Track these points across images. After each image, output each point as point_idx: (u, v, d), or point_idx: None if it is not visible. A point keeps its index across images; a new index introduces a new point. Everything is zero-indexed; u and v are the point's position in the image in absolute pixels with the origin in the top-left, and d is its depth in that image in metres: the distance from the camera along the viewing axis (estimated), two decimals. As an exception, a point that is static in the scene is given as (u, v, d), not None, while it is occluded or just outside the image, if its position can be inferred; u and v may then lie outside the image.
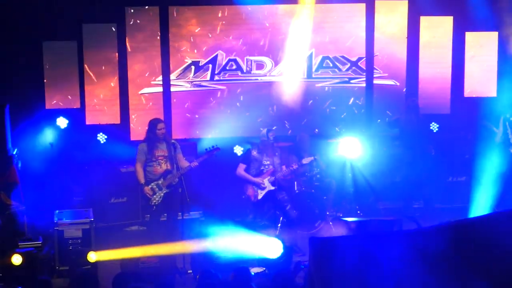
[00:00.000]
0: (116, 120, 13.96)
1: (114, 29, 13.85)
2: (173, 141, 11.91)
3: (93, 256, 10.29)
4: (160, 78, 14.11)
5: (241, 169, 12.37)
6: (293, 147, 13.56)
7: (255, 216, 12.28)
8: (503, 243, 5.00)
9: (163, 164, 11.67)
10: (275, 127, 12.76)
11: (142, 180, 11.64)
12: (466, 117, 14.41)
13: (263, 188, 12.26)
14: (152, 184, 11.61)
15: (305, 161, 12.55)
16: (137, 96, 14.07)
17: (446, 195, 14.12)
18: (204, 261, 10.58)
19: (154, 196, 11.59)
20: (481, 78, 14.98)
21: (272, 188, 12.26)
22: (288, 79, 14.46)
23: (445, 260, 5.06)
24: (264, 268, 10.43)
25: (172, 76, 14.17)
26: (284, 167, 12.38)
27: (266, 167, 12.32)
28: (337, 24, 14.55)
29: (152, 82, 14.11)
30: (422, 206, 13.89)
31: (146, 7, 13.96)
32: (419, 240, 5.23)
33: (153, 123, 11.82)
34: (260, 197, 12.25)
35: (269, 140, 12.27)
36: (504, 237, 5.07)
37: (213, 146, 11.85)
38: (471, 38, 14.90)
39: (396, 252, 5.18)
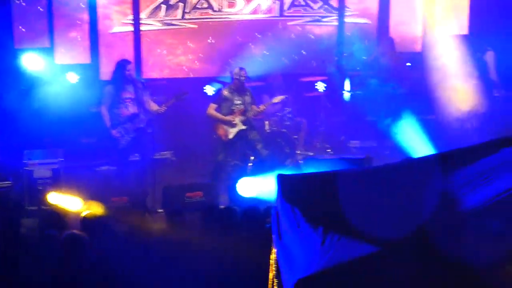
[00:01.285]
0: (87, 59, 13.79)
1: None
2: (140, 83, 11.81)
3: (52, 197, 10.18)
4: (131, 17, 13.93)
5: (211, 109, 12.26)
6: (265, 86, 13.51)
7: (226, 155, 12.23)
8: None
9: (130, 106, 11.56)
10: (246, 66, 12.65)
11: (109, 123, 11.57)
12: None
13: (234, 126, 12.17)
14: (119, 127, 11.54)
15: (276, 100, 12.48)
16: (107, 35, 13.89)
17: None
18: (174, 200, 10.63)
19: (122, 140, 11.55)
20: (452, 15, 14.89)
21: (243, 127, 12.17)
22: (260, 17, 14.34)
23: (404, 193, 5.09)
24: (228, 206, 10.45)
25: (143, 15, 14.00)
26: (254, 106, 12.32)
27: (237, 106, 12.23)
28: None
29: (123, 21, 13.93)
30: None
31: None
32: (383, 176, 5.26)
33: (121, 64, 11.70)
34: (231, 136, 12.18)
35: (240, 79, 12.17)
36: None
37: (182, 90, 11.78)
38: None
39: (363, 188, 5.20)
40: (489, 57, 12.78)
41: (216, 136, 12.35)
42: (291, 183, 5.33)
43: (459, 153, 5.35)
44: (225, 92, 12.27)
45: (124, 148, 11.64)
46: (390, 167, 5.67)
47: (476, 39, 13.88)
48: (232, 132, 12.16)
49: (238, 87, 12.24)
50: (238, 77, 12.16)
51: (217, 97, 12.41)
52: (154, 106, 11.63)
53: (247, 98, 12.28)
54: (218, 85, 13.18)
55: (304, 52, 14.51)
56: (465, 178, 4.97)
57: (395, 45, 13.82)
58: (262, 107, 12.35)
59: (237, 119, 12.16)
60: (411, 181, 5.13)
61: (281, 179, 5.32)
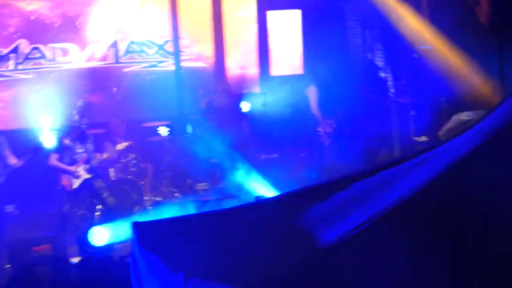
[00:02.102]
0: None
1: None
2: (0, 137, 11.28)
3: None
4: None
5: (53, 159, 11.89)
6: (106, 133, 13.37)
7: (72, 206, 11.95)
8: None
9: None
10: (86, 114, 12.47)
11: None
12: (274, 95, 14.67)
13: (78, 177, 11.92)
14: None
15: (120, 147, 12.36)
16: None
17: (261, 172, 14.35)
18: (21, 254, 10.33)
19: None
20: (287, 57, 15.31)
21: (88, 176, 11.92)
22: (95, 65, 14.22)
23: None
24: (81, 258, 10.25)
25: (-28, 68, 13.62)
26: (98, 154, 12.12)
27: (80, 155, 11.99)
28: (141, 7, 14.44)
29: (-49, 74, 13.50)
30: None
31: None
32: (238, 217, 5.30)
33: None
34: (75, 186, 11.89)
35: (81, 127, 11.94)
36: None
37: (38, 146, 11.49)
38: (274, 16, 15.16)
39: (220, 229, 5.20)
40: (310, 92, 13.07)
41: (60, 186, 12.06)
42: (147, 229, 5.28)
43: (312, 189, 5.46)
44: (66, 141, 11.97)
45: None
46: (242, 209, 5.73)
47: (310, 78, 14.29)
48: (76, 182, 11.88)
49: (79, 135, 12.00)
50: (78, 125, 11.93)
51: (58, 146, 12.08)
52: (12, 160, 11.22)
53: (90, 146, 12.04)
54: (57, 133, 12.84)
55: (143, 97, 14.46)
56: (320, 214, 5.06)
57: (230, 87, 14.00)
58: (105, 155, 12.18)
59: (80, 169, 11.91)
60: (265, 221, 5.18)
61: (136, 226, 5.26)
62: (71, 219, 11.95)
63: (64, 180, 11.88)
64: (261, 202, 6.39)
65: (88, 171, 11.87)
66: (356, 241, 4.81)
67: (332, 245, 4.83)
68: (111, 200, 11.99)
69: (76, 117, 11.90)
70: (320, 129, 12.98)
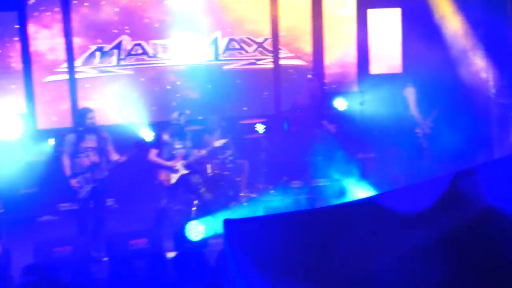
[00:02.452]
0: (22, 109, 13.65)
1: (14, 17, 13.54)
2: (104, 133, 11.48)
3: None
4: (65, 65, 13.85)
5: (153, 155, 12.17)
6: (204, 130, 13.53)
7: (169, 201, 12.17)
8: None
9: (91, 156, 11.27)
10: (187, 112, 12.67)
11: (69, 172, 11.22)
12: (373, 94, 14.57)
13: (176, 172, 12.12)
14: (80, 177, 11.23)
15: (217, 143, 12.49)
16: (42, 84, 13.79)
17: (356, 171, 14.29)
18: (119, 248, 10.50)
19: (81, 190, 11.24)
20: (386, 55, 15.20)
21: (186, 171, 12.12)
22: (195, 62, 14.40)
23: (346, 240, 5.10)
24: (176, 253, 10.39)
25: (77, 63, 13.93)
26: (195, 150, 12.30)
27: (178, 151, 12.20)
28: (241, 5, 14.53)
29: (57, 70, 13.84)
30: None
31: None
32: (326, 217, 5.28)
33: (83, 113, 11.41)
34: (173, 181, 12.10)
35: (180, 123, 12.13)
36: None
37: (141, 141, 11.71)
38: (374, 15, 15.08)
39: (306, 230, 5.20)
40: (409, 93, 12.94)
41: (158, 181, 12.30)
42: (238, 227, 5.33)
43: (401, 192, 5.42)
44: (165, 137, 12.21)
45: (84, 198, 11.31)
46: (333, 209, 5.71)
47: (409, 77, 14.15)
48: (174, 177, 12.10)
49: (178, 131, 12.20)
50: (177, 121, 12.15)
51: (157, 142, 12.33)
52: (114, 156, 11.48)
53: (188, 143, 12.24)
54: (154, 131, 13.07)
55: (241, 95, 14.59)
56: (408, 217, 5.01)
57: (319, 86, 13.97)
58: (203, 151, 12.33)
59: (178, 164, 12.11)
60: (355, 222, 5.15)
61: (227, 224, 5.31)
62: (168, 214, 12.19)
63: (162, 175, 12.10)
64: (351, 203, 6.36)
65: (186, 166, 12.04)
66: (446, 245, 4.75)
67: (421, 248, 4.78)
68: (207, 195, 12.14)
69: (175, 114, 12.09)
70: (418, 131, 12.85)
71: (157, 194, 12.36)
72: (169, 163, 12.05)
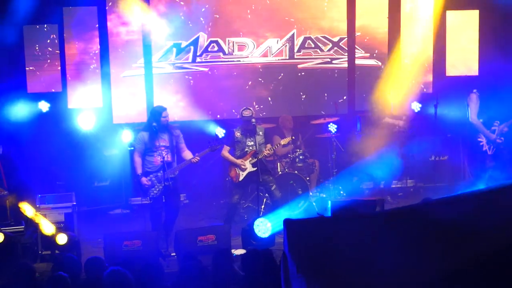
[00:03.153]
0: (99, 103, 13.90)
1: (94, 12, 13.79)
2: (176, 130, 11.55)
3: (60, 239, 10.26)
4: (142, 60, 14.05)
5: (225, 151, 12.19)
6: (276, 128, 13.56)
7: (240, 197, 12.20)
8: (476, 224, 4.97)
9: (164, 154, 11.27)
10: (257, 106, 12.67)
11: (140, 170, 11.28)
12: (448, 96, 14.39)
13: (243, 170, 12.13)
14: (151, 175, 11.30)
15: (284, 141, 12.39)
16: (119, 79, 14.01)
17: (429, 173, 14.17)
18: (187, 244, 10.60)
19: (153, 189, 11.31)
20: (463, 57, 15.00)
21: (253, 169, 12.04)
22: (271, 61, 14.45)
23: (423, 240, 5.02)
24: (245, 250, 10.44)
25: (154, 58, 14.11)
26: (266, 148, 12.25)
27: (250, 147, 12.16)
28: (318, 3, 14.51)
29: (134, 65, 14.05)
30: (413, 185, 13.97)
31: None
32: (397, 221, 5.20)
33: (157, 111, 11.38)
34: (241, 178, 12.09)
35: (250, 120, 12.13)
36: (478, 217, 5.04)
37: (215, 140, 11.84)
38: (452, 16, 14.89)
39: (372, 234, 5.14)
40: (471, 100, 12.64)
41: (228, 178, 12.36)
42: (298, 228, 5.29)
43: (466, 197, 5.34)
44: (237, 134, 12.21)
45: (155, 197, 11.34)
46: (396, 213, 5.63)
47: (486, 81, 13.93)
48: (242, 175, 12.11)
49: (249, 128, 12.22)
50: (248, 119, 12.17)
51: (230, 139, 12.37)
52: (187, 155, 11.49)
53: (259, 138, 12.15)
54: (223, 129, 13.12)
55: (315, 94, 14.58)
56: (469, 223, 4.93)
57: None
58: (267, 151, 12.11)
59: (246, 162, 12.11)
60: (418, 227, 5.07)
61: (287, 224, 5.29)
62: (237, 210, 12.27)
63: (232, 172, 12.15)
64: (415, 207, 6.27)
65: (254, 164, 12.04)
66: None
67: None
68: (277, 193, 12.13)
69: (247, 112, 12.04)
70: (481, 139, 12.56)
71: (229, 191, 12.42)
72: (238, 161, 12.08)
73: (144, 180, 11.29)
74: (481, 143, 12.63)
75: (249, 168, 12.06)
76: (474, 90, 12.58)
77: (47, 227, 10.44)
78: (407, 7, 14.78)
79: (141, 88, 14.05)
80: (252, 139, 12.11)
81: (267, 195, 12.49)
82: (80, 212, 11.65)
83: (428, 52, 14.90)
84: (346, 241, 5.07)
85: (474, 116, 12.54)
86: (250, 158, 12.08)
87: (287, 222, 5.29)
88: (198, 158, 11.47)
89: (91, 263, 8.21)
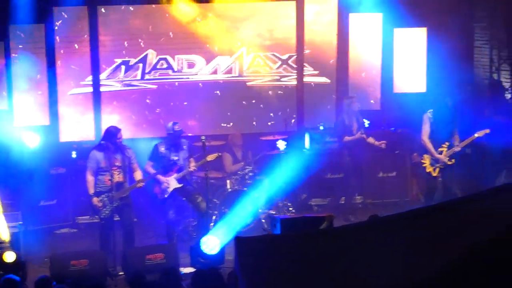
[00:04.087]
0: (46, 121, 13.72)
1: (42, 29, 13.63)
2: (129, 151, 11.48)
3: (8, 256, 10.10)
4: (90, 78, 13.92)
5: (148, 166, 12.01)
6: (225, 145, 13.53)
7: (176, 212, 12.11)
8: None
9: (116, 175, 11.20)
10: (207, 124, 12.60)
11: (92, 190, 11.19)
12: (395, 113, 14.50)
13: (168, 186, 11.96)
14: (103, 196, 11.21)
15: (210, 157, 12.11)
16: (67, 96, 13.86)
17: (377, 190, 14.23)
18: (135, 262, 10.52)
19: (104, 209, 11.21)
20: (410, 74, 15.14)
21: (179, 185, 11.98)
22: (220, 78, 14.42)
23: (371, 258, 5.02)
24: (194, 269, 10.37)
25: (102, 76, 14.00)
26: (192, 160, 12.12)
27: (175, 163, 12.03)
28: (267, 21, 14.53)
29: (82, 83, 13.91)
30: (356, 201, 14.01)
31: (75, 7, 13.73)
32: (344, 238, 5.20)
33: (112, 132, 11.33)
34: (166, 195, 11.97)
35: (175, 133, 11.98)
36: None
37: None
38: (400, 34, 15.04)
39: (322, 252, 5.12)
40: (423, 119, 12.71)
41: (153, 194, 12.20)
42: (249, 246, 5.26)
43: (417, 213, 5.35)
44: (161, 149, 12.07)
45: (106, 217, 11.25)
46: (347, 230, 5.63)
47: (432, 96, 14.12)
48: (167, 191, 11.96)
49: (174, 142, 12.08)
50: (172, 131, 12.02)
51: (153, 154, 12.11)
52: (138, 175, 11.45)
53: (184, 153, 12.08)
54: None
55: (264, 111, 14.56)
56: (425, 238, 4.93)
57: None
58: (192, 165, 12.03)
59: (170, 179, 11.99)
60: (367, 244, 5.06)
61: (239, 242, 5.25)
62: (178, 226, 12.18)
63: (156, 188, 12.04)
64: (367, 224, 6.28)
65: (179, 180, 11.94)
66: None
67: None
68: (203, 205, 12.03)
69: (170, 124, 11.99)
70: (424, 161, 12.65)
71: (161, 208, 12.30)
72: (162, 178, 11.97)
73: (95, 200, 11.20)
74: (423, 165, 12.68)
75: (174, 184, 11.94)
76: (429, 110, 12.63)
77: None
78: (356, 25, 14.86)
79: (89, 106, 13.90)
80: (176, 154, 12.02)
81: (216, 212, 12.47)
82: (26, 232, 11.49)
83: (376, 69, 15.01)
84: (296, 259, 5.04)
85: (423, 137, 12.61)
86: (175, 174, 11.95)
87: (238, 240, 5.25)
88: (142, 184, 11.44)
89: (40, 283, 8.10)
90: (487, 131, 12.52)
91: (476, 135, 12.55)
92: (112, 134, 11.31)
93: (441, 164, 12.55)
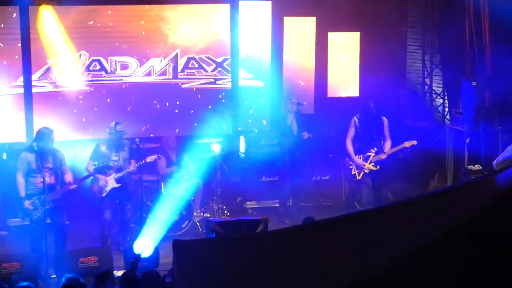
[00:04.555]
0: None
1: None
2: (60, 153, 11.35)
3: None
4: (21, 79, 13.69)
5: (89, 166, 11.99)
6: (160, 147, 13.46)
7: (112, 213, 12.05)
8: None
9: (48, 177, 11.04)
10: (142, 126, 12.53)
11: (23, 193, 11.01)
12: (329, 117, 14.59)
13: (106, 185, 11.90)
14: (34, 198, 11.03)
15: (149, 159, 12.15)
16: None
17: (311, 193, 14.32)
18: (68, 265, 10.40)
19: (36, 212, 11.02)
20: (344, 78, 15.28)
21: (117, 185, 11.94)
22: (154, 80, 14.33)
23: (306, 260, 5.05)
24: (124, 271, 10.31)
25: (34, 77, 13.78)
26: (133, 161, 12.11)
27: (115, 162, 11.99)
28: (202, 24, 14.50)
29: (13, 83, 13.68)
30: (291, 204, 14.06)
31: (5, 7, 13.50)
32: (281, 241, 5.22)
33: (45, 133, 11.18)
34: (104, 194, 11.90)
35: (117, 133, 11.96)
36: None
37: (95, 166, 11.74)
38: (334, 38, 15.16)
39: (259, 254, 5.14)
40: (352, 124, 12.91)
41: (92, 193, 12.11)
42: (187, 249, 5.28)
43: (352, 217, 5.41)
44: (102, 148, 12.03)
45: (38, 220, 11.07)
46: (283, 232, 5.66)
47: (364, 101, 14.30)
48: (105, 190, 11.91)
49: (115, 141, 12.04)
50: (114, 131, 11.99)
51: (95, 153, 12.09)
52: (69, 177, 11.32)
53: (124, 154, 12.06)
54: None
55: (197, 113, 14.51)
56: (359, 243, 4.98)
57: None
58: (132, 167, 12.01)
59: (109, 178, 11.91)
60: (303, 247, 5.09)
61: (177, 245, 5.26)
62: (112, 227, 12.09)
63: (95, 187, 11.98)
64: (302, 227, 6.33)
65: (118, 180, 11.89)
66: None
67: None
68: (129, 214, 12.03)
69: (112, 123, 11.97)
70: (352, 163, 12.86)
71: (99, 207, 12.21)
72: (100, 176, 11.90)
73: (26, 203, 11.04)
74: (350, 166, 12.89)
75: (112, 183, 11.88)
76: (357, 115, 12.81)
77: None
78: (290, 28, 14.94)
79: (20, 107, 13.67)
80: (117, 154, 11.99)
81: (150, 214, 12.42)
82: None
83: (310, 73, 15.10)
84: (234, 262, 5.07)
85: (347, 140, 12.85)
86: (114, 174, 11.89)
87: (176, 243, 5.26)
88: (75, 186, 11.38)
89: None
90: (415, 142, 12.73)
91: (405, 144, 12.76)
92: (44, 135, 11.18)
93: (365, 169, 12.75)
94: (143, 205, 12.19)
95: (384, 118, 12.84)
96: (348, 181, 13.30)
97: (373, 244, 4.86)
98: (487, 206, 4.87)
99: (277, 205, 13.94)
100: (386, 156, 12.71)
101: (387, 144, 12.77)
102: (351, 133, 12.83)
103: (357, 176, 12.85)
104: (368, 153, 12.76)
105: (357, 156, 12.81)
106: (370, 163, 12.75)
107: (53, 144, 11.25)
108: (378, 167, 12.75)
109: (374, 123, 12.76)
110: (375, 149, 12.75)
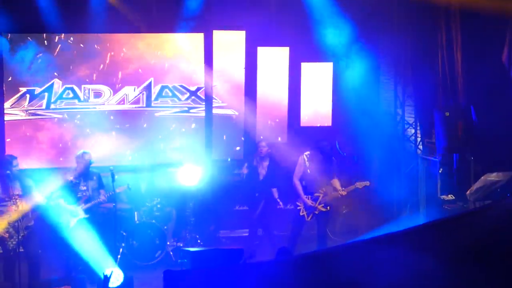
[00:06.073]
0: None
1: None
2: (28, 180, 11.23)
3: None
4: (-6, 106, 13.61)
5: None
6: (134, 176, 13.40)
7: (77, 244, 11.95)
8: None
9: (19, 204, 10.91)
10: (114, 155, 12.46)
11: None
12: (301, 146, 14.60)
13: (74, 216, 11.76)
14: (8, 226, 10.86)
15: (119, 189, 12.07)
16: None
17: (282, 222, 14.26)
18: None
19: (12, 240, 10.85)
20: (317, 108, 15.35)
21: (85, 216, 11.80)
22: (127, 108, 14.29)
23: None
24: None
25: (6, 105, 13.69)
26: (102, 191, 12.00)
27: (83, 193, 11.90)
28: (176, 53, 14.51)
29: (-15, 111, 13.59)
30: (262, 234, 14.00)
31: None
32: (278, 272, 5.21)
33: (7, 160, 11.14)
34: (72, 225, 11.78)
35: (85, 162, 11.87)
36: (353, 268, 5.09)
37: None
38: (307, 68, 15.26)
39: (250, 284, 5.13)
40: (300, 160, 12.71)
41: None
42: (179, 280, 5.23)
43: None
44: (70, 178, 11.92)
45: (13, 249, 10.91)
46: (273, 264, 5.65)
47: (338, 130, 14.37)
48: (73, 221, 11.79)
49: (83, 172, 11.94)
50: (81, 161, 11.90)
51: (62, 183, 11.93)
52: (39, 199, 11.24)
53: (93, 184, 11.97)
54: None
55: (172, 142, 14.48)
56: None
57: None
58: (102, 196, 11.94)
59: (79, 208, 11.81)
60: (296, 279, 5.09)
61: (168, 276, 5.22)
62: (81, 258, 11.96)
63: (63, 218, 11.80)
64: (293, 259, 6.30)
65: (86, 211, 11.79)
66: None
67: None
68: (132, 243, 11.96)
69: (80, 152, 11.90)
70: (299, 204, 12.58)
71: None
72: (68, 206, 11.77)
73: (1, 232, 10.85)
74: (298, 207, 12.57)
75: (80, 214, 11.75)
76: (306, 153, 12.61)
77: None
78: (264, 58, 15.01)
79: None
80: (85, 184, 11.90)
81: (123, 244, 12.32)
82: None
83: (283, 103, 15.16)
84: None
85: (294, 179, 12.59)
86: (83, 204, 11.79)
87: (167, 273, 5.22)
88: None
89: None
90: (367, 183, 12.44)
91: (357, 185, 12.45)
92: (7, 162, 11.14)
93: (316, 210, 12.47)
94: (117, 234, 12.08)
95: (335, 159, 12.72)
96: (294, 222, 12.76)
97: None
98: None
99: (246, 234, 13.85)
100: (346, 193, 12.37)
101: (335, 182, 12.47)
102: (299, 171, 12.54)
103: (306, 217, 12.52)
104: (317, 194, 12.51)
105: (306, 196, 12.50)
106: (319, 204, 12.48)
107: (17, 171, 11.14)
108: (328, 207, 12.43)
109: (325, 162, 12.46)
110: (324, 189, 12.47)
